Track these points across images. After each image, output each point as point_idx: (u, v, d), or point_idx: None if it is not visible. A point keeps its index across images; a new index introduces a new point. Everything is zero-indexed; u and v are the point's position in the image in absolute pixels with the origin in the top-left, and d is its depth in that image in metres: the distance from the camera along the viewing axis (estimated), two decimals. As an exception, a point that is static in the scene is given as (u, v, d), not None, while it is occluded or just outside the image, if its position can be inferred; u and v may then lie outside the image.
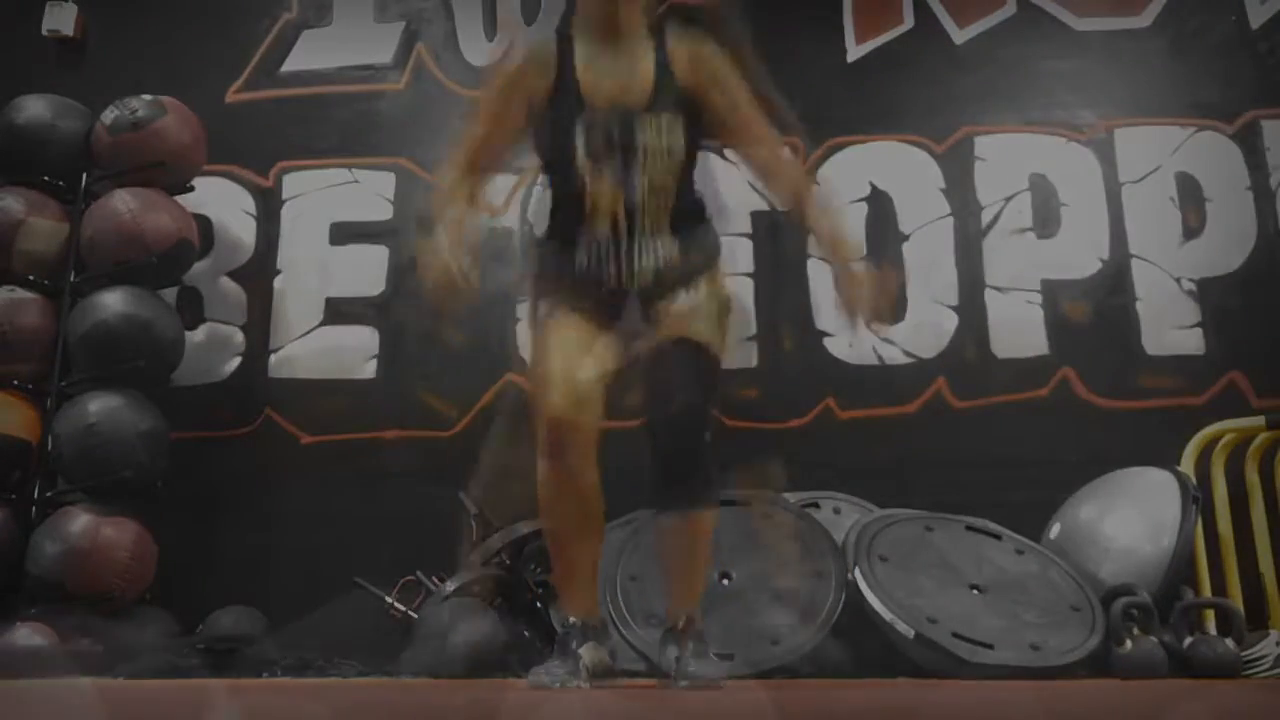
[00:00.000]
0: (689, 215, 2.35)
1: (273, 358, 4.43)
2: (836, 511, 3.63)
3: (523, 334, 4.32)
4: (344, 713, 1.70)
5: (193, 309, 4.43)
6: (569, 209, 2.29)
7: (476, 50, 4.68)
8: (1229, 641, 3.00)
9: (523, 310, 4.35)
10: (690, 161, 2.32)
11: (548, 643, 3.18)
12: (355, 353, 4.39)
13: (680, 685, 2.19)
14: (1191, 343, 4.02)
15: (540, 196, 2.50)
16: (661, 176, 2.25)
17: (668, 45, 2.30)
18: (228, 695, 2.19)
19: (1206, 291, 4.06)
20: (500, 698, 2.00)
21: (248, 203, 4.60)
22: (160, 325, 3.92)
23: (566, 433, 2.19)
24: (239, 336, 4.46)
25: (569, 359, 2.22)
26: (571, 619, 2.30)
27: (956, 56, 4.41)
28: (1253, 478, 3.63)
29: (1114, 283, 4.12)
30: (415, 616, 3.45)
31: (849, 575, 3.08)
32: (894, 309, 2.19)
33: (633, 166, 2.24)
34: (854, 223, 4.29)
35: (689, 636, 2.26)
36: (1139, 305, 4.09)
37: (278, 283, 4.50)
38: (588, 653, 2.24)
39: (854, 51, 4.45)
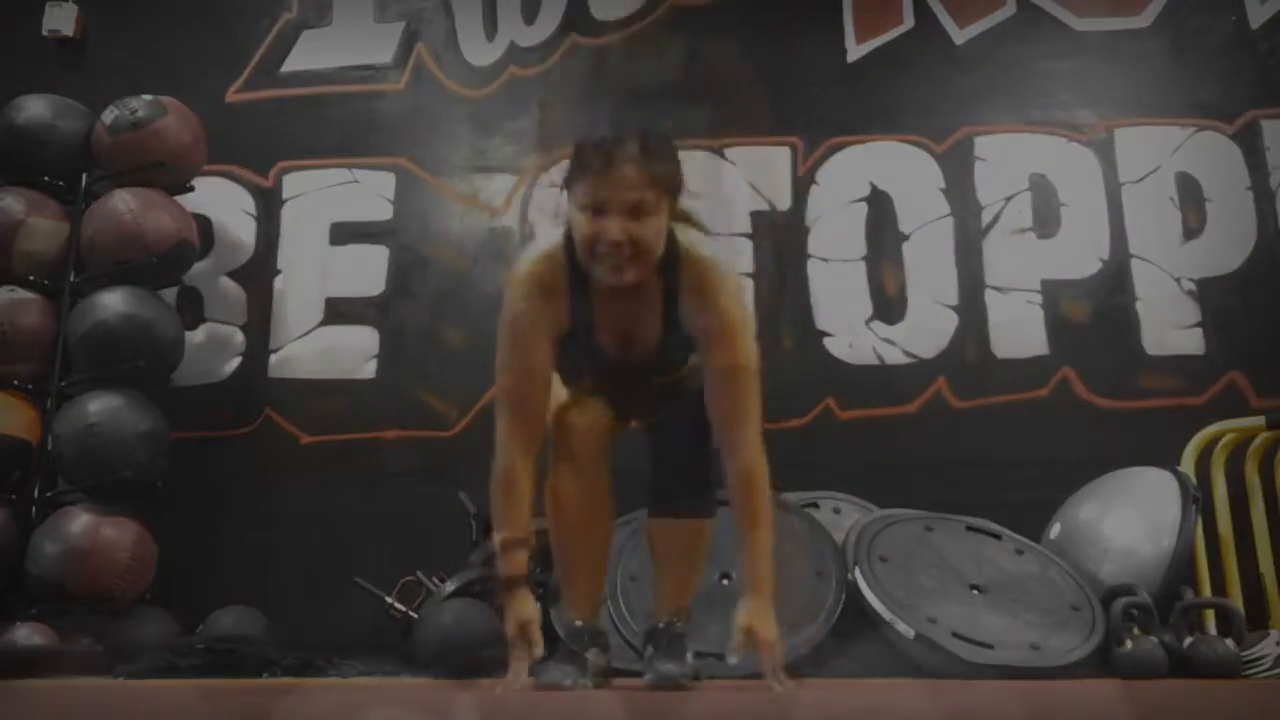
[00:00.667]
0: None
1: (273, 358, 4.43)
2: (836, 511, 3.63)
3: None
4: (350, 713, 1.70)
5: (193, 309, 4.43)
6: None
7: (477, 50, 4.68)
8: (1229, 641, 3.00)
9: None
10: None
11: (548, 643, 3.18)
12: (355, 353, 4.40)
13: (645, 680, 2.19)
14: (1191, 343, 4.02)
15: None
16: (662, 402, 2.30)
17: (680, 291, 2.10)
18: (228, 696, 2.19)
19: (1206, 291, 4.06)
20: (504, 698, 2.00)
21: (248, 203, 4.60)
22: (160, 325, 3.92)
23: (579, 434, 2.19)
24: (239, 336, 4.46)
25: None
26: (577, 621, 2.29)
27: (956, 56, 4.41)
28: (1253, 478, 3.63)
29: (1114, 283, 4.12)
30: (415, 616, 3.45)
31: (849, 575, 3.07)
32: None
33: (636, 394, 2.29)
34: (854, 222, 4.29)
35: (666, 635, 2.25)
36: (1139, 305, 4.09)
37: (278, 283, 4.50)
38: (592, 655, 2.24)
39: (854, 51, 4.45)
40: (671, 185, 2.04)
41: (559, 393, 2.27)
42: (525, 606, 2.08)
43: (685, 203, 2.17)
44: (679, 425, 2.24)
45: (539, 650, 2.08)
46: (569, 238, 2.07)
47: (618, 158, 1.95)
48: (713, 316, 2.09)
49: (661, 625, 2.29)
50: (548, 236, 2.16)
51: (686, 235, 2.12)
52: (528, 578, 2.12)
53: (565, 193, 2.06)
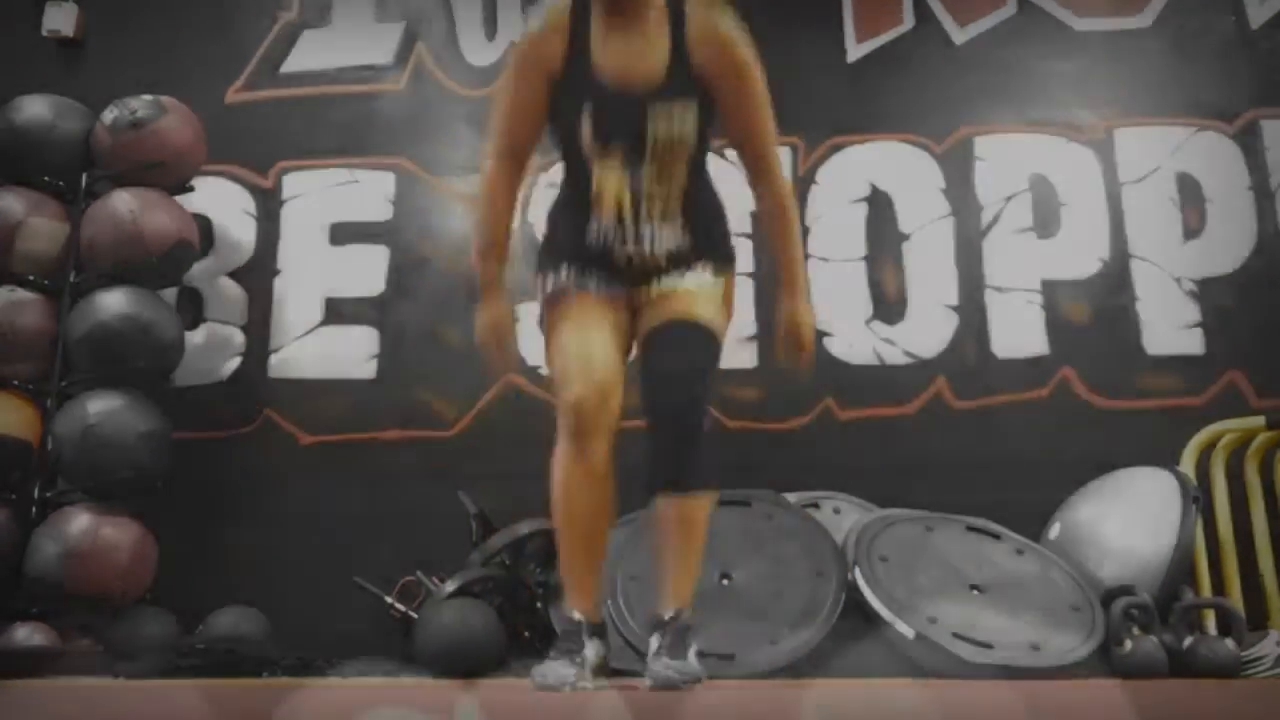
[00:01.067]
0: (701, 207, 2.34)
1: (273, 358, 4.43)
2: (836, 511, 3.63)
3: (523, 334, 4.32)
4: (347, 713, 1.70)
5: (193, 309, 4.43)
6: (578, 187, 2.29)
7: (477, 50, 4.69)
8: (1229, 641, 3.00)
9: (524, 311, 4.35)
10: (702, 150, 2.31)
11: (548, 643, 3.18)
12: (355, 353, 4.40)
13: (646, 683, 2.16)
14: (1191, 343, 4.02)
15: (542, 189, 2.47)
16: (670, 165, 2.24)
17: (686, 23, 2.25)
18: (228, 695, 2.19)
19: (1206, 291, 4.06)
20: (509, 699, 2.00)
21: (248, 203, 4.60)
22: (160, 325, 3.92)
23: (589, 419, 2.19)
24: (239, 336, 4.46)
25: (588, 344, 2.23)
26: (576, 615, 2.28)
27: (956, 56, 4.41)
28: (1253, 478, 3.63)
29: (1114, 283, 4.12)
30: (415, 616, 3.45)
31: (849, 575, 3.07)
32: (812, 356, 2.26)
33: (641, 154, 2.22)
34: (854, 222, 4.29)
35: (670, 632, 2.21)
36: (1139, 305, 4.09)
37: (278, 283, 4.50)
38: (593, 652, 2.22)
39: (854, 51, 4.45)
40: None
41: (570, 382, 2.25)
42: (497, 308, 2.34)
43: None
44: (676, 396, 2.23)
45: (513, 351, 2.21)
46: None
47: None
48: (725, 51, 2.25)
49: (667, 618, 2.25)
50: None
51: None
52: (499, 282, 2.34)
53: None
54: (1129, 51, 4.33)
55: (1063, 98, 4.32)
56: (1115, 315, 4.09)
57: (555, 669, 2.16)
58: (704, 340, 2.26)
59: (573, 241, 2.31)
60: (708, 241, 2.35)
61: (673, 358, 2.23)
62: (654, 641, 2.22)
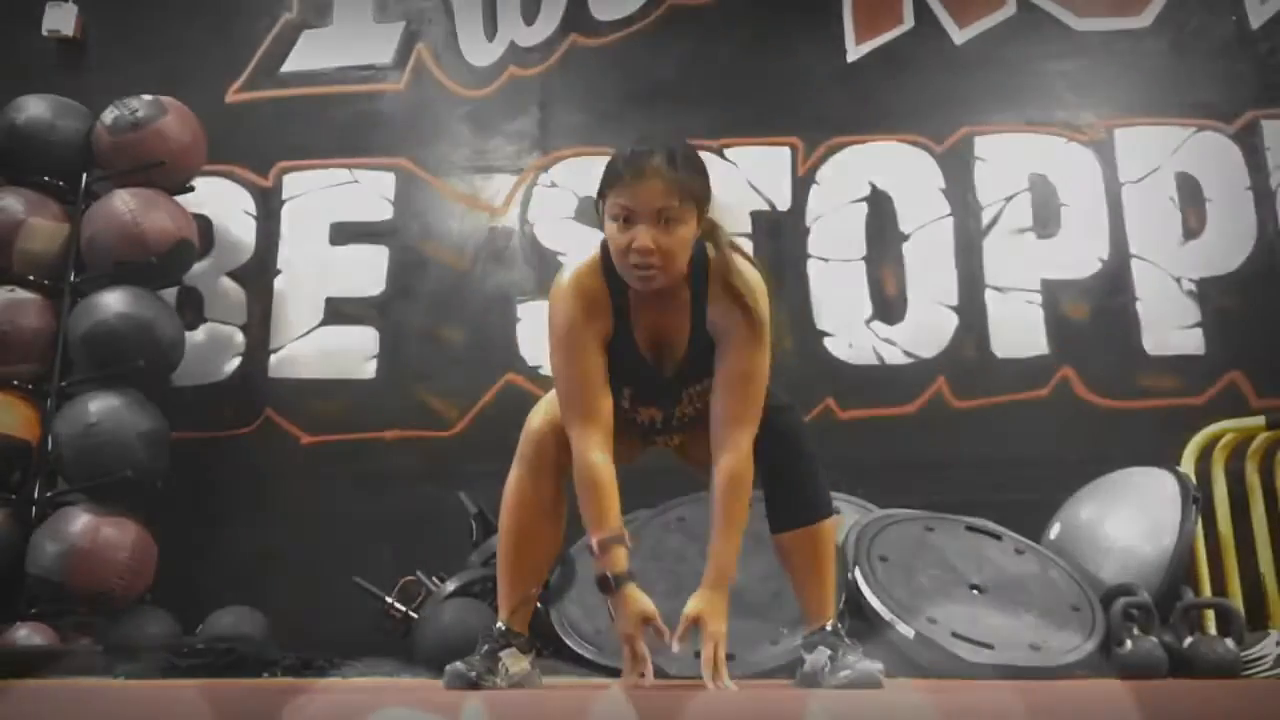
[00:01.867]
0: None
1: (273, 358, 4.43)
2: (836, 512, 3.62)
3: (523, 334, 4.32)
4: (348, 714, 1.70)
5: (193, 309, 4.43)
6: None
7: (476, 50, 4.69)
8: (1229, 641, 3.00)
9: (524, 310, 4.36)
10: None
11: (547, 644, 3.18)
12: (355, 353, 4.40)
13: (838, 680, 2.15)
14: (1191, 343, 4.02)
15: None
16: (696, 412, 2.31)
17: (706, 298, 2.20)
18: (228, 695, 2.19)
19: (1206, 291, 4.06)
20: (510, 699, 2.00)
21: (248, 203, 4.60)
22: (160, 325, 3.92)
23: (548, 455, 2.21)
24: (239, 336, 4.46)
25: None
26: (501, 624, 2.28)
27: (956, 56, 4.41)
28: (1253, 478, 3.63)
29: (1114, 283, 4.12)
30: (415, 616, 3.45)
31: (849, 575, 3.07)
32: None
33: (673, 415, 2.33)
34: (854, 222, 4.29)
35: (837, 638, 2.24)
36: (1139, 305, 4.09)
37: (278, 283, 4.50)
38: (511, 658, 2.24)
39: (854, 51, 4.46)
40: (698, 195, 2.10)
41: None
42: (638, 602, 2.09)
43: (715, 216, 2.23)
44: (778, 431, 2.24)
45: (667, 640, 2.10)
46: (605, 247, 2.15)
47: (646, 170, 2.04)
48: (729, 318, 2.17)
49: (829, 628, 2.27)
50: (586, 250, 2.24)
51: (720, 243, 2.21)
52: (632, 574, 2.12)
53: (599, 203, 2.13)
54: (1129, 51, 4.33)
55: (1063, 98, 4.32)
56: (1115, 315, 4.09)
57: (469, 663, 2.19)
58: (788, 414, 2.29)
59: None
60: None
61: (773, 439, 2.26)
62: (819, 657, 2.22)
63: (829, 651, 2.22)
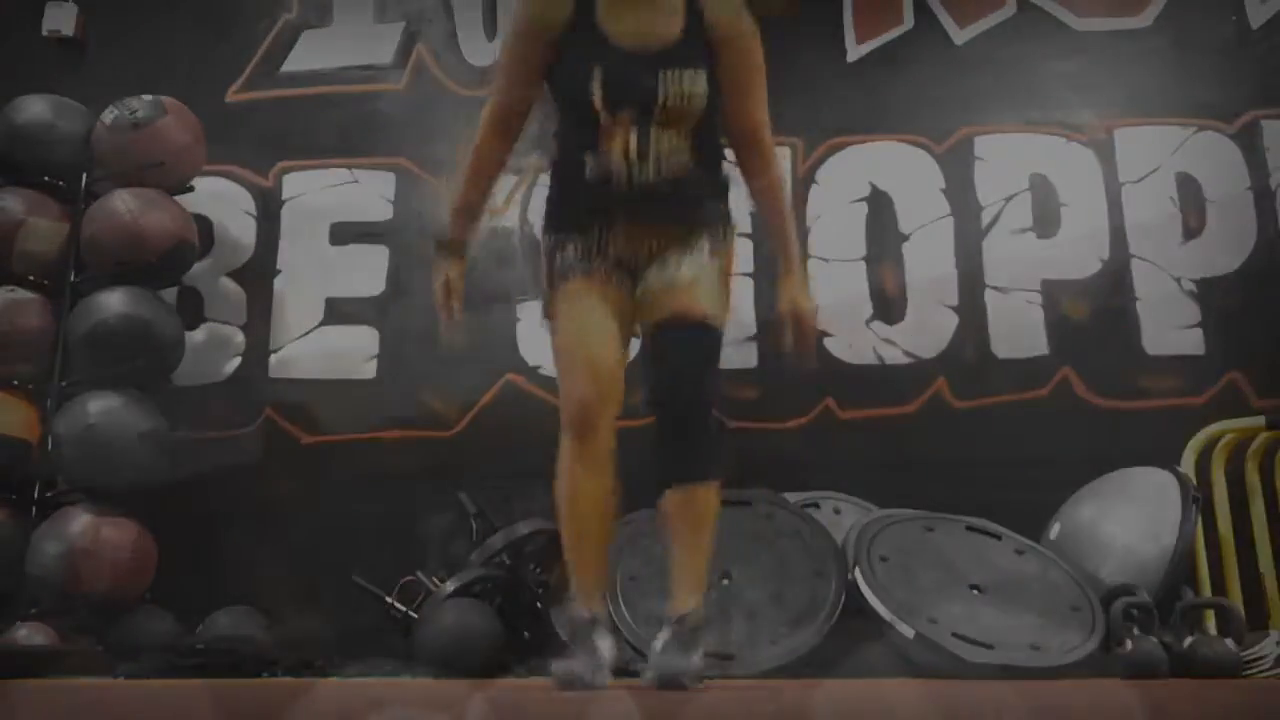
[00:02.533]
0: (706, 169, 2.33)
1: (273, 358, 4.43)
2: (836, 512, 3.63)
3: (523, 334, 4.32)
4: (351, 713, 1.70)
5: (193, 309, 4.43)
6: (583, 144, 2.25)
7: (476, 50, 4.68)
8: (1229, 641, 2.99)
9: (523, 311, 4.35)
10: (712, 120, 2.30)
11: (547, 642, 3.18)
12: (355, 353, 4.40)
13: (647, 677, 2.15)
14: (1191, 343, 4.02)
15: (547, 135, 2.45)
16: (679, 127, 2.23)
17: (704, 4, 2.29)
18: (228, 695, 2.19)
19: (1206, 291, 4.05)
20: (512, 699, 2.00)
21: (248, 203, 4.60)
22: (160, 325, 3.92)
23: (592, 415, 2.20)
24: (239, 336, 4.46)
25: (589, 337, 2.23)
26: (587, 613, 2.26)
27: (956, 56, 4.40)
28: (1253, 478, 3.63)
29: (1114, 283, 4.11)
30: (415, 616, 3.45)
31: (849, 575, 3.08)
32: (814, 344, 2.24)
33: (650, 115, 2.20)
34: (854, 222, 4.29)
35: (679, 628, 2.18)
36: (1139, 305, 4.08)
37: (278, 283, 4.50)
38: (607, 647, 2.21)
39: (854, 51, 4.45)
40: None
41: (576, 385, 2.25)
42: (455, 268, 2.37)
43: None
44: (681, 393, 2.24)
45: (458, 306, 2.30)
46: None
47: None
48: (734, 21, 2.34)
49: (678, 616, 2.23)
50: None
51: None
52: (464, 245, 2.38)
53: None
54: (1129, 51, 4.33)
55: (1063, 98, 4.32)
56: (1115, 315, 4.08)
57: (574, 667, 2.14)
58: (706, 336, 2.27)
59: (574, 199, 2.30)
60: (710, 203, 2.34)
61: (676, 357, 2.23)
62: (662, 637, 2.20)
63: (665, 640, 2.17)
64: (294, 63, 4.75)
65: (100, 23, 4.83)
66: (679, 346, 2.23)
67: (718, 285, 2.30)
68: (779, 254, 2.39)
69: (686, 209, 2.27)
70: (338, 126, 4.65)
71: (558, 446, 2.29)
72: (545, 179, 2.41)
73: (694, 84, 2.22)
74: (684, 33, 2.25)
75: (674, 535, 2.26)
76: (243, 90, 4.72)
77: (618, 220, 2.27)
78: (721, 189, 2.38)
